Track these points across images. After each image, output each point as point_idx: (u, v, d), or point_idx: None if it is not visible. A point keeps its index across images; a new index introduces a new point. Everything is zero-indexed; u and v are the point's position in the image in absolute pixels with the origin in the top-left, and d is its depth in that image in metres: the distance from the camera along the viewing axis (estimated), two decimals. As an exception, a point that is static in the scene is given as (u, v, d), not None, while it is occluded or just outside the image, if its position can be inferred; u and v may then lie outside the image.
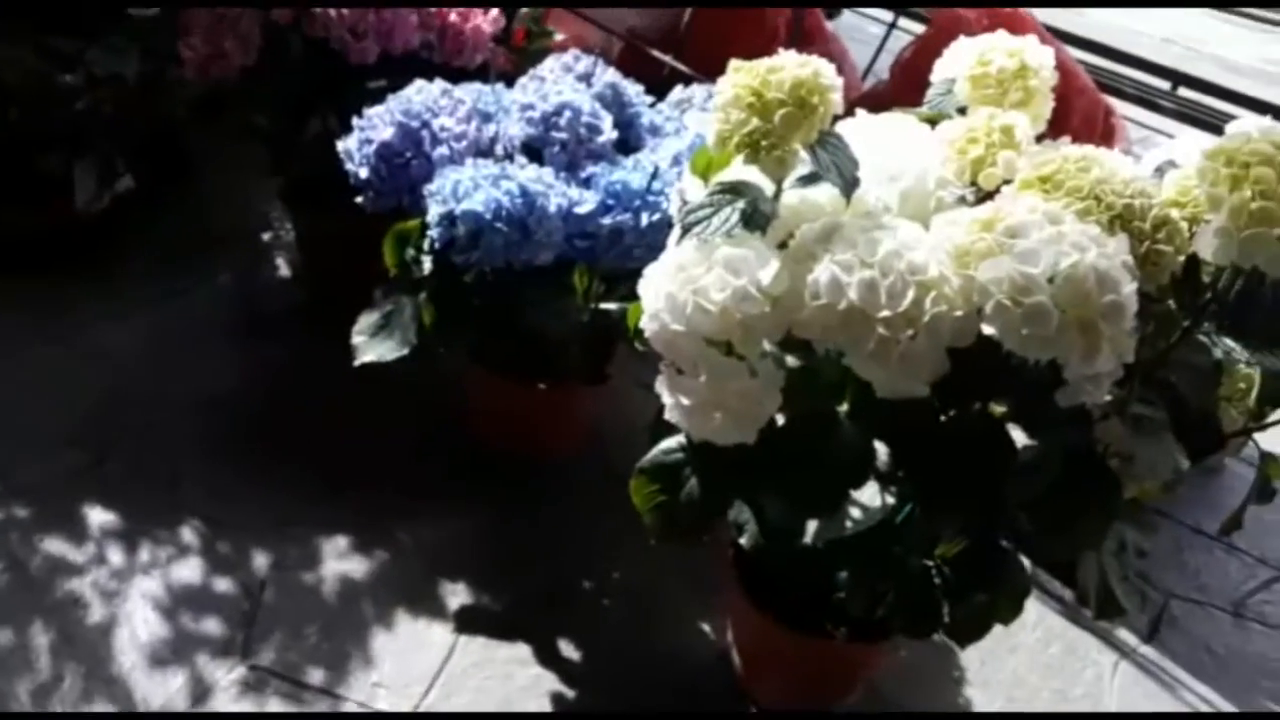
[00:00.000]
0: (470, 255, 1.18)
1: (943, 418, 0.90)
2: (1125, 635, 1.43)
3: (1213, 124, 2.63)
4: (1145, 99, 2.72)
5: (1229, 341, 0.86)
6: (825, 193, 0.91)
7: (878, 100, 2.07)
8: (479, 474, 1.51)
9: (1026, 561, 1.04)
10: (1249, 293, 0.85)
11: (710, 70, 1.84)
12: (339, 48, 1.48)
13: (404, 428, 1.58)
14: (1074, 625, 1.43)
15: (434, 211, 1.18)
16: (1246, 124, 0.94)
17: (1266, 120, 0.94)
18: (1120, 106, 2.18)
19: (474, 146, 1.26)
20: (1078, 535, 0.90)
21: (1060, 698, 1.34)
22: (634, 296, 1.41)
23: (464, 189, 1.16)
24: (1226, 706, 1.36)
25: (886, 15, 2.56)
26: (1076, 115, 1.81)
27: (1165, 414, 0.93)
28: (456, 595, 1.35)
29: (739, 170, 0.90)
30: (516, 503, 1.49)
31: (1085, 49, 2.74)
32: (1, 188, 1.72)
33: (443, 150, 1.24)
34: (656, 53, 1.84)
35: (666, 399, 0.90)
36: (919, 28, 2.33)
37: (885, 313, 0.79)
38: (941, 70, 1.12)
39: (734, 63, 0.88)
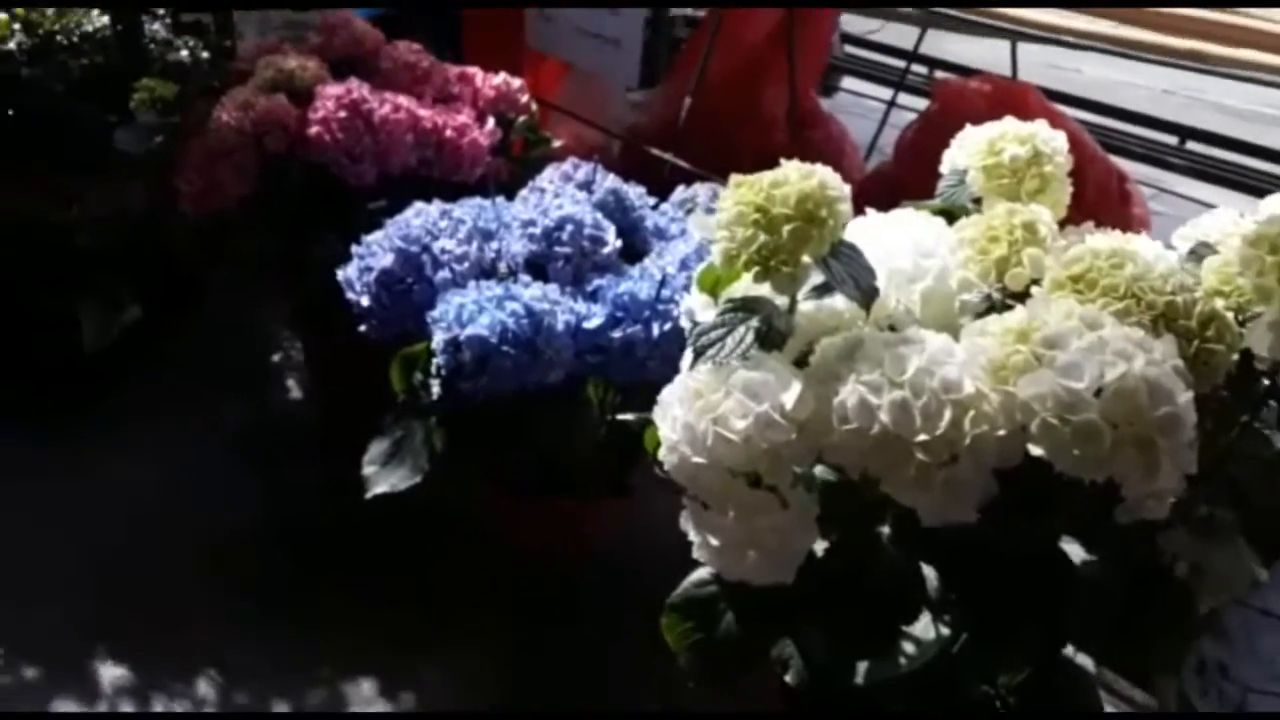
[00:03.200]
0: (479, 381, 1.14)
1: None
2: (1201, 735, 1.33)
3: (1225, 178, 2.60)
4: (1153, 156, 2.69)
5: (1291, 437, 0.80)
6: (843, 299, 0.87)
7: (884, 181, 2.05)
8: (502, 599, 1.45)
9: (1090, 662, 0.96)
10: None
11: (712, 165, 1.83)
12: (336, 172, 1.46)
13: (422, 553, 1.52)
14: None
15: (438, 338, 1.14)
16: (1281, 202, 0.89)
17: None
18: (1129, 166, 2.14)
19: (476, 267, 1.23)
20: (1151, 661, 0.83)
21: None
22: (652, 406, 1.38)
23: (468, 313, 1.12)
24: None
25: (882, 92, 2.56)
26: (1090, 186, 1.76)
27: (1231, 513, 0.87)
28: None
29: (749, 285, 0.86)
30: (542, 627, 1.42)
31: (1085, 109, 2.73)
32: (6, 327, 1.69)
33: (444, 274, 1.20)
34: (656, 151, 1.83)
35: (693, 536, 0.85)
36: (918, 102, 2.33)
37: (922, 436, 0.73)
38: (951, 159, 1.08)
39: (735, 178, 0.84)
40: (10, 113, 1.82)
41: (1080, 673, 0.92)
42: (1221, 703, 1.06)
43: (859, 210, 0.91)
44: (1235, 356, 0.77)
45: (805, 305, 0.88)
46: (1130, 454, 0.71)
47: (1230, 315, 0.80)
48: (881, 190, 1.91)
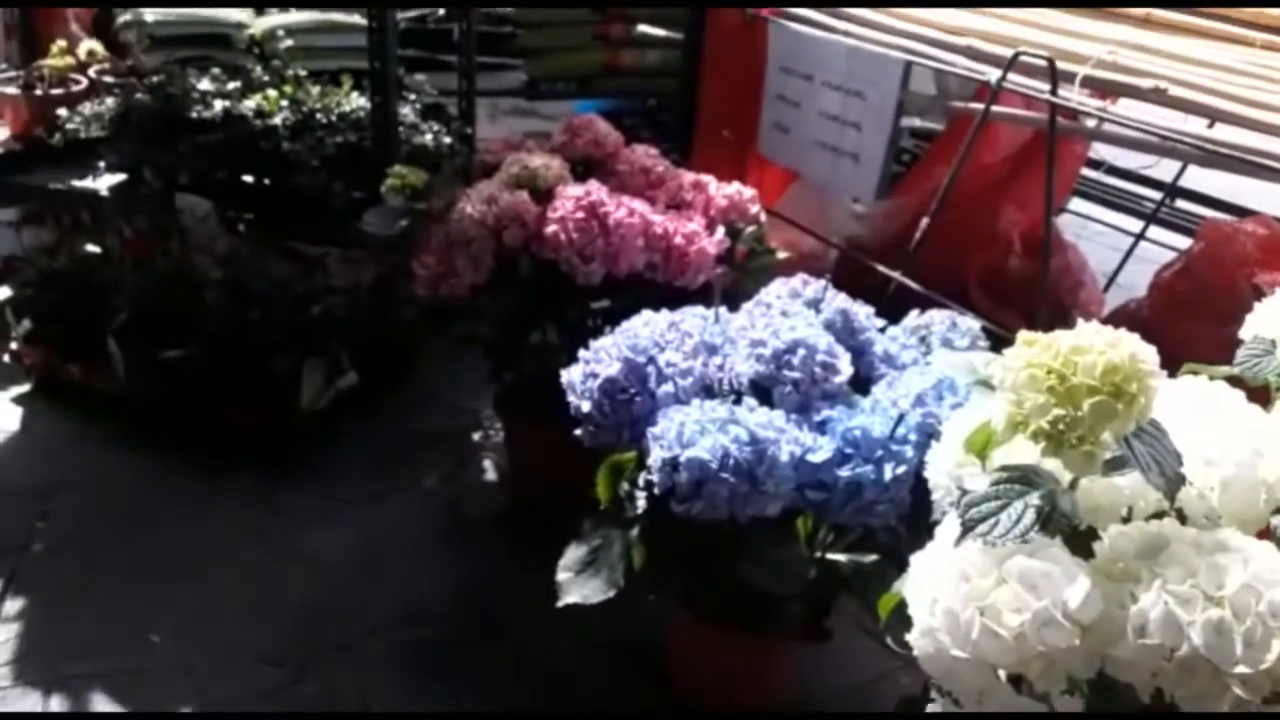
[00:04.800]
0: (692, 505, 1.08)
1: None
2: None
3: None
4: None
5: None
6: (1127, 478, 0.76)
7: (1131, 323, 1.89)
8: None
9: None
10: None
11: (939, 285, 1.73)
12: (567, 269, 1.47)
13: (602, 667, 1.46)
14: None
15: (656, 455, 1.10)
16: None
17: None
18: None
19: (700, 383, 1.18)
20: None
21: None
22: (866, 547, 1.28)
23: (689, 434, 1.08)
24: None
25: (1107, 214, 2.38)
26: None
27: None
28: None
29: (1025, 452, 0.77)
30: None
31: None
32: (231, 385, 1.79)
33: (668, 388, 1.17)
34: (883, 268, 1.75)
35: (938, 732, 0.75)
36: (1166, 237, 2.15)
37: (1242, 669, 0.62)
38: (1253, 325, 0.95)
39: (1024, 335, 0.75)
40: (268, 182, 1.96)
41: None
42: None
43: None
44: None
45: (1082, 481, 0.78)
46: None
47: None
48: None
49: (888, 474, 1.09)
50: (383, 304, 1.77)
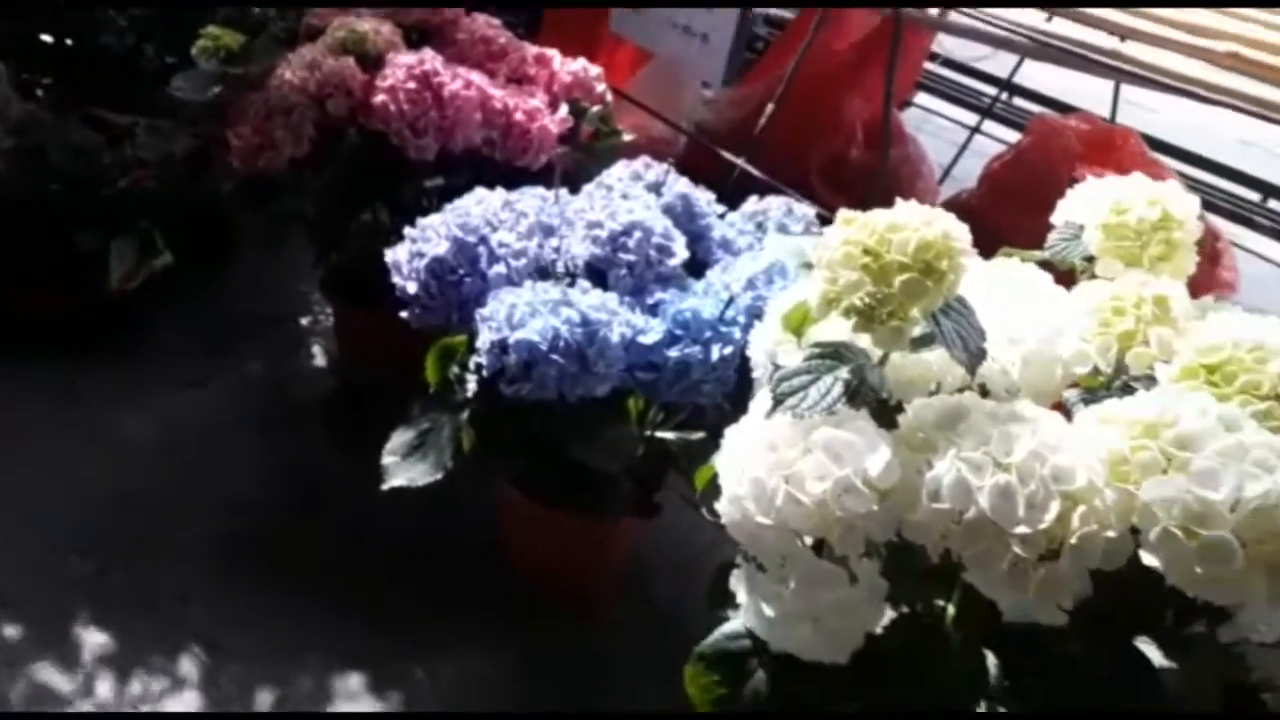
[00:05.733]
0: (521, 386, 1.06)
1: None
2: None
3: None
4: (1236, 213, 2.57)
5: None
6: (935, 354, 0.79)
7: (963, 212, 1.95)
8: (508, 609, 1.37)
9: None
10: None
11: (784, 174, 1.74)
12: (397, 143, 1.39)
13: (431, 551, 1.45)
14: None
15: (485, 338, 1.06)
16: None
17: None
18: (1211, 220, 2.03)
19: (533, 264, 1.15)
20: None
21: None
22: (694, 425, 1.30)
23: (520, 315, 1.05)
24: None
25: (951, 109, 2.44)
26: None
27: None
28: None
29: (841, 330, 0.78)
30: (548, 643, 1.35)
31: (1166, 154, 2.61)
32: (33, 265, 1.64)
33: (499, 269, 1.13)
34: (728, 155, 1.74)
35: (743, 599, 0.77)
36: (1001, 132, 2.22)
37: (1023, 529, 0.65)
38: (1067, 211, 0.99)
39: (844, 213, 0.76)
40: (70, 43, 1.78)
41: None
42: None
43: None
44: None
45: (893, 356, 0.80)
46: (1258, 579, 0.63)
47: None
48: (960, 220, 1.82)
49: (715, 354, 1.10)
50: (197, 178, 1.64)
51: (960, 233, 0.72)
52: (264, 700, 1.23)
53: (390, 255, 1.18)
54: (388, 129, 1.39)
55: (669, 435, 1.27)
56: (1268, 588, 0.62)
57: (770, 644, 0.77)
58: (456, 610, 1.37)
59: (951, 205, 1.87)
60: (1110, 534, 0.65)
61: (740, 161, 1.75)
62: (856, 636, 0.73)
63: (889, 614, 0.79)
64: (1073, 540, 0.65)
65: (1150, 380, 0.76)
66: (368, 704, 1.24)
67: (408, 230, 1.18)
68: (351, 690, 1.25)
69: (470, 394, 1.17)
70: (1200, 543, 0.62)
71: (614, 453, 1.20)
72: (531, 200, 1.22)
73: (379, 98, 1.37)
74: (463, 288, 1.13)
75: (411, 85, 1.36)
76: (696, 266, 1.31)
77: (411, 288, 1.15)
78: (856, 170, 1.94)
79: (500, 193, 1.21)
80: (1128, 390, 0.75)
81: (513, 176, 1.40)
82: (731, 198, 1.49)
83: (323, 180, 1.46)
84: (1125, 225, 0.89)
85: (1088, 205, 0.93)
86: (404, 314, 1.19)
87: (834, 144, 1.94)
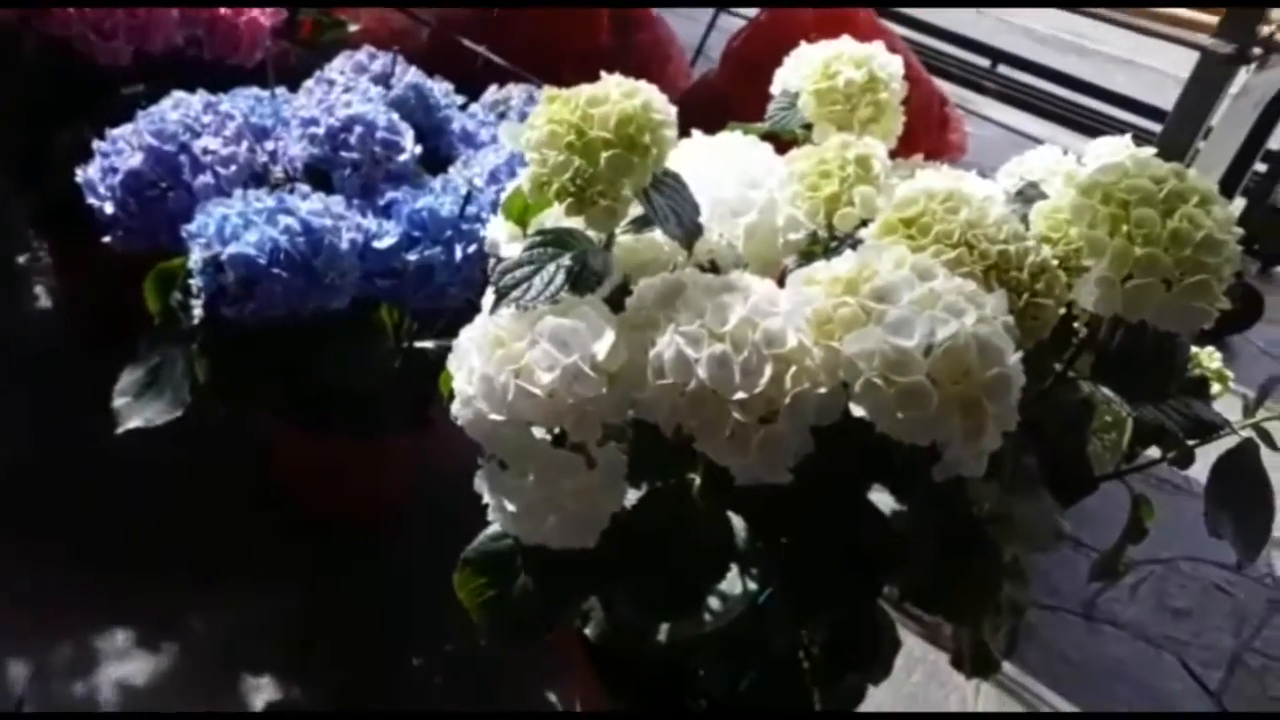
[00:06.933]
0: (244, 306, 0.99)
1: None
2: (985, 653, 1.39)
3: (1029, 103, 2.68)
4: (968, 79, 2.74)
5: (1108, 392, 0.78)
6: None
7: (708, 92, 1.96)
8: (286, 541, 1.32)
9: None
10: (1130, 341, 0.77)
11: (532, 63, 1.68)
12: (83, 49, 1.23)
13: (193, 490, 1.36)
14: (933, 648, 1.38)
15: (196, 256, 0.98)
16: (1109, 145, 0.87)
17: (1126, 141, 0.87)
18: (943, 87, 2.14)
19: (246, 171, 1.06)
20: (957, 612, 0.82)
21: (926, 728, 1.28)
22: (455, 333, 1.27)
23: (231, 228, 0.97)
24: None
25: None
26: (913, 109, 1.74)
27: (1035, 460, 0.86)
28: (262, 691, 1.16)
29: (561, 216, 0.76)
30: (331, 572, 1.31)
31: (906, 25, 2.73)
32: None
33: (206, 179, 1.03)
34: (469, 43, 1.66)
35: (488, 498, 0.76)
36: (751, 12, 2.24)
37: (740, 394, 0.67)
38: (782, 79, 1.00)
39: (548, 90, 0.73)
40: None
41: (883, 623, 0.91)
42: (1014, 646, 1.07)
43: (683, 124, 0.82)
44: (1062, 311, 0.74)
45: (623, 238, 0.79)
46: (955, 417, 0.67)
47: (1059, 268, 0.76)
48: (706, 102, 1.82)
49: (458, 254, 1.06)
50: None
51: (662, 104, 0.71)
52: (17, 675, 1.13)
53: (81, 174, 1.06)
54: (69, 34, 1.23)
55: (429, 345, 1.23)
56: (963, 424, 0.67)
57: (522, 539, 0.76)
58: (233, 554, 1.30)
59: (699, 85, 1.88)
60: (821, 390, 0.68)
61: (483, 50, 1.67)
62: (601, 519, 0.74)
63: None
64: (787, 400, 0.67)
65: (860, 242, 0.79)
66: (140, 664, 1.16)
67: (97, 144, 1.05)
68: (120, 650, 1.17)
69: (197, 321, 1.08)
70: (898, 389, 0.65)
71: (365, 370, 1.15)
72: (242, 101, 1.12)
73: (51, -3, 1.21)
74: (166, 203, 1.03)
75: (89, -21, 1.20)
76: (439, 163, 1.25)
77: (109, 208, 1.03)
78: (608, 57, 1.91)
79: (201, 95, 1.10)
80: (838, 253, 0.77)
81: (226, 77, 1.28)
82: (478, 91, 1.43)
83: (5, 99, 1.28)
84: (834, 89, 0.91)
85: (800, 72, 0.94)
86: (107, 239, 1.07)
87: (584, 31, 1.89)
